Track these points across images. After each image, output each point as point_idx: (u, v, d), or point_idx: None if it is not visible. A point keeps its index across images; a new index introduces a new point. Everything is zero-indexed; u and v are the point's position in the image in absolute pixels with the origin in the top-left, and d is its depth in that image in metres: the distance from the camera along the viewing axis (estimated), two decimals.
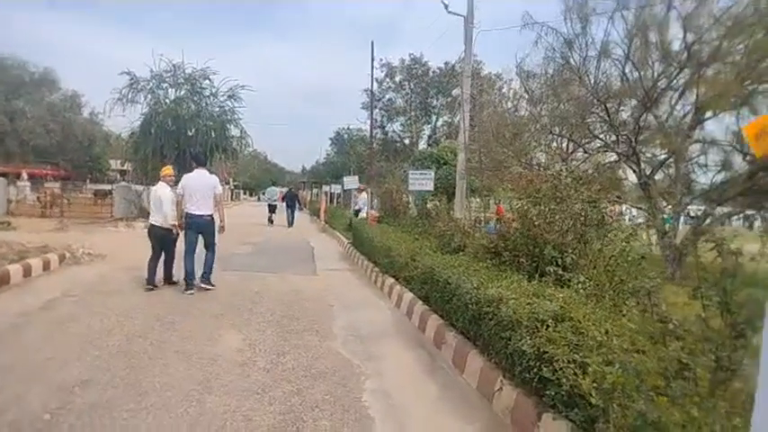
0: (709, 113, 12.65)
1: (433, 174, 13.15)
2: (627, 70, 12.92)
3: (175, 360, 4.89)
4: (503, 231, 5.84)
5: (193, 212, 8.01)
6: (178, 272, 8.36)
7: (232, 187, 50.76)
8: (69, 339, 5.34)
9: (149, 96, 21.45)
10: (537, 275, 4.85)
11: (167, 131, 20.81)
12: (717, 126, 13.26)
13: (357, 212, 18.17)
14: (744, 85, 10.56)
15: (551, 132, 14.42)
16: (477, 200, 20.22)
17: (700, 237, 11.74)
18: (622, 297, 4.44)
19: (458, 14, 14.68)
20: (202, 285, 8.11)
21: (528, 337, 3.54)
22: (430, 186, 12.82)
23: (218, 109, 22.59)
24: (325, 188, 36.39)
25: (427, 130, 40.18)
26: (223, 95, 22.50)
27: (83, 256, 11.15)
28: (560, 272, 4.63)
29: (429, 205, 11.23)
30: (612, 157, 15.44)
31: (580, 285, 4.36)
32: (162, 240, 8.13)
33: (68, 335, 5.50)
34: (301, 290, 8.59)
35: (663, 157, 13.65)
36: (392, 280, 8.39)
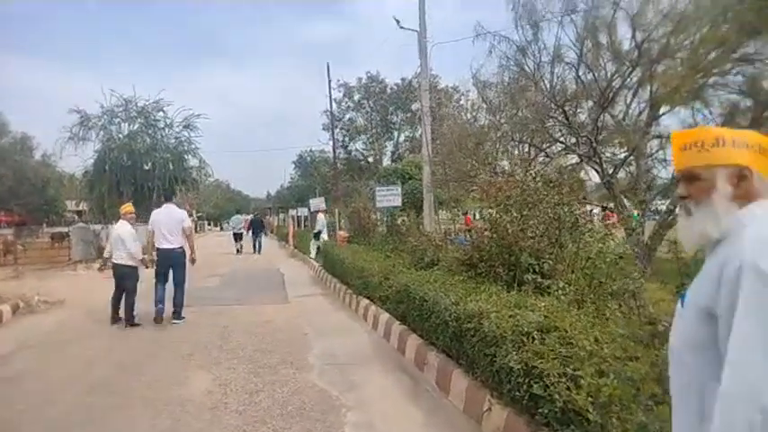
0: (663, 109, 12.91)
1: (399, 189, 13.03)
2: (581, 73, 13.10)
3: (141, 409, 4.53)
4: (476, 242, 5.68)
5: (164, 246, 8.17)
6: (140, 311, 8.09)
7: (195, 218, 49.56)
8: (25, 398, 4.89)
9: (101, 133, 20.81)
10: (515, 285, 4.70)
11: (123, 167, 20.18)
12: (673, 120, 13.53)
13: (317, 235, 17.46)
14: (694, 79, 10.78)
15: (512, 139, 14.49)
16: (445, 212, 20.21)
17: (666, 231, 11.91)
18: (603, 300, 4.31)
19: (411, 29, 14.76)
20: (174, 322, 8.12)
21: (514, 353, 3.35)
22: (398, 202, 12.68)
23: (174, 140, 22.09)
24: (292, 212, 35.88)
25: (390, 147, 40.27)
26: (178, 126, 22.02)
27: (38, 303, 10.53)
28: (539, 279, 4.49)
29: (398, 221, 11.06)
30: (574, 159, 15.63)
31: (560, 292, 4.22)
32: (123, 278, 8.06)
33: (23, 392, 5.06)
34: (273, 320, 8.25)
35: (623, 155, 13.86)
36: (367, 301, 8.14)
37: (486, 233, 5.50)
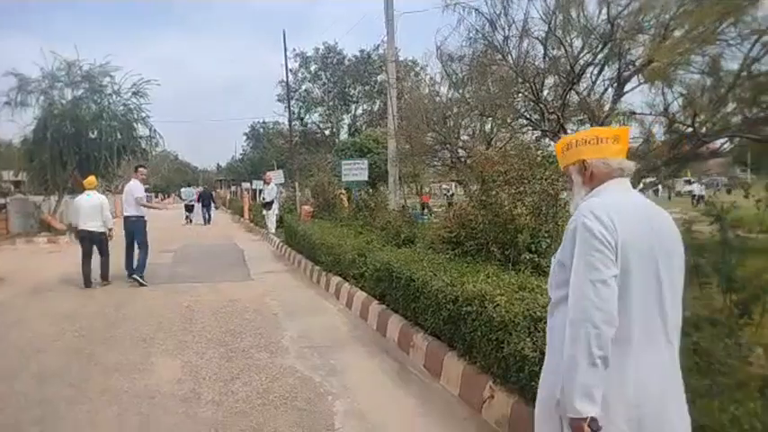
0: (629, 86, 12.98)
1: (367, 163, 12.62)
2: (549, 48, 12.96)
3: (103, 403, 4.07)
4: (463, 219, 5.42)
5: (125, 215, 9.33)
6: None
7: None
8: None
9: (42, 98, 19.01)
10: (511, 265, 4.47)
11: (66, 135, 18.60)
12: (637, 98, 13.68)
13: (269, 205, 16.64)
14: (660, 56, 10.80)
15: (481, 114, 14.28)
16: (404, 187, 19.95)
17: None
18: None
19: None
20: (135, 277, 9.00)
21: (528, 339, 3.11)
22: (364, 176, 12.29)
23: (122, 107, 20.52)
24: (246, 185, 34.79)
25: (347, 120, 39.49)
26: (127, 93, 20.46)
27: None
28: (536, 259, 4.28)
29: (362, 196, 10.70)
30: (536, 135, 15.61)
31: None
32: (98, 243, 9.02)
33: None
34: (238, 299, 7.80)
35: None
36: (338, 279, 7.81)
37: (474, 209, 5.24)
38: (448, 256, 5.23)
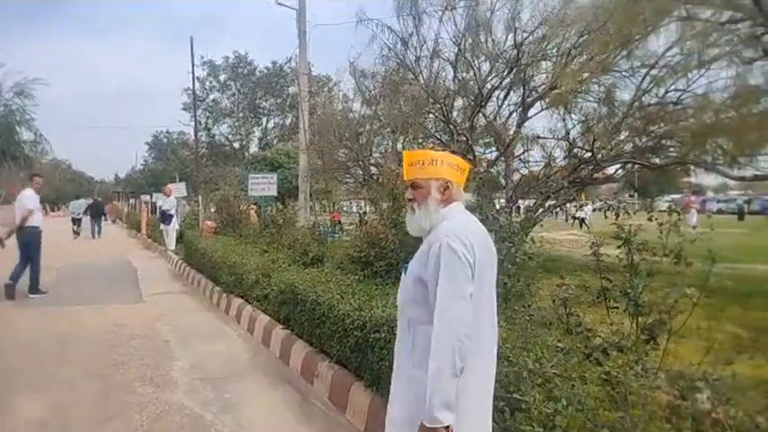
0: (533, 111, 13.58)
1: (276, 178, 12.13)
2: (459, 70, 13.29)
3: None
4: (372, 238, 5.19)
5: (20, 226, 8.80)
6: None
7: None
8: None
9: None
10: None
11: None
12: (541, 123, 14.38)
13: (168, 219, 15.26)
14: (562, 83, 11.38)
15: (393, 132, 14.32)
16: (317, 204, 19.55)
17: (529, 229, 12.50)
18: (509, 304, 4.06)
19: (290, 7, 13.89)
20: (29, 296, 8.81)
21: None
22: (273, 191, 11.79)
23: (2, 108, 18.52)
24: (145, 198, 32.66)
25: (258, 133, 38.47)
26: (9, 92, 18.47)
27: None
28: None
29: (270, 211, 10.22)
30: None
31: None
32: None
33: None
34: (126, 323, 7.03)
35: (494, 154, 14.41)
36: (240, 300, 7.28)
37: (384, 228, 5.03)
38: (357, 277, 4.96)
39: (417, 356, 1.95)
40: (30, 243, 8.86)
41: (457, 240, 1.87)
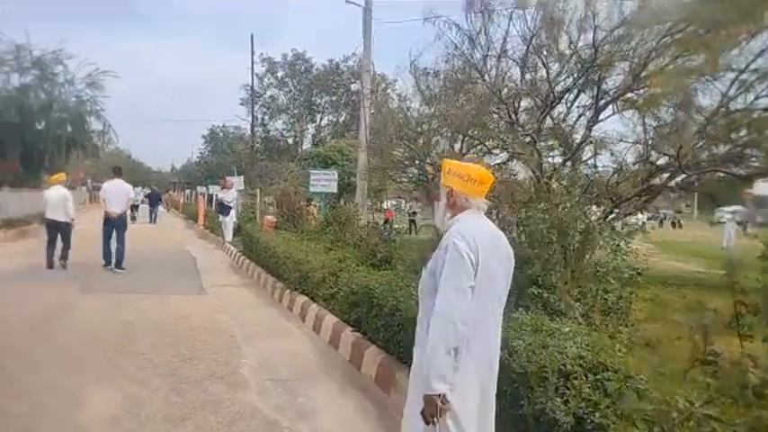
0: (605, 114, 12.89)
1: (336, 174, 11.98)
2: (528, 69, 12.77)
3: None
4: None
5: (110, 210, 10.25)
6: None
7: (90, 188, 44.61)
8: None
9: None
10: (513, 299, 3.90)
11: (10, 125, 17.04)
12: (611, 126, 13.65)
13: (226, 210, 15.39)
14: (639, 85, 10.72)
15: (457, 131, 13.90)
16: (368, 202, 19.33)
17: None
18: (614, 326, 3.66)
19: (356, 4, 13.72)
20: (116, 270, 10.04)
21: (558, 399, 2.55)
22: (333, 188, 11.66)
23: (74, 99, 19.10)
24: (201, 189, 33.39)
25: (311, 130, 38.74)
26: (81, 83, 19.04)
27: None
28: (545, 295, 3.74)
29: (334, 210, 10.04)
30: (499, 158, 15.32)
31: (576, 312, 3.49)
32: (63, 231, 10.15)
33: None
34: (189, 315, 6.97)
35: (559, 158, 13.78)
36: (305, 298, 7.10)
37: None
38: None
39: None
40: (119, 226, 10.30)
41: (462, 240, 2.16)
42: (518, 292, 4.03)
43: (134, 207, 25.42)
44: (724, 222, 25.89)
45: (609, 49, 11.50)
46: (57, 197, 10.23)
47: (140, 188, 32.17)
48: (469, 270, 2.12)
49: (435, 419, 2.07)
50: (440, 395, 2.06)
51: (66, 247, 10.21)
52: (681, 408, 2.18)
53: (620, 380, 2.51)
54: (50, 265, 10.03)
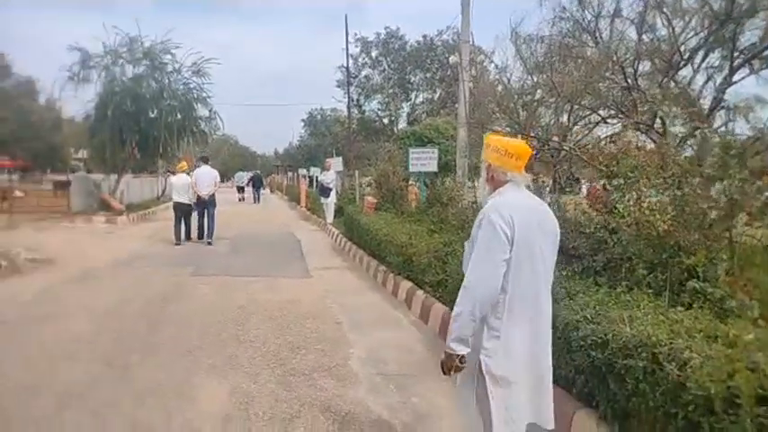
0: (738, 75, 11.22)
1: (437, 152, 11.52)
2: (644, 29, 11.39)
3: None
4: (577, 225, 4.25)
5: (201, 193, 12.09)
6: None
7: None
8: None
9: (104, 74, 18.72)
10: (667, 293, 3.26)
11: (126, 113, 18.28)
12: (745, 89, 11.86)
13: (326, 192, 15.70)
14: None
15: (569, 101, 12.82)
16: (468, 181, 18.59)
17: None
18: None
19: None
20: (209, 241, 11.98)
21: None
22: (433, 167, 11.21)
23: (182, 87, 20.06)
24: (302, 171, 34.33)
25: (406, 108, 38.28)
26: (187, 71, 19.93)
27: (25, 262, 9.25)
28: (709, 289, 3.08)
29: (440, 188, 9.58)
30: (609, 129, 13.95)
31: (755, 311, 2.81)
32: (186, 212, 12.12)
33: None
34: (297, 299, 6.91)
35: (686, 127, 12.28)
36: (410, 284, 6.79)
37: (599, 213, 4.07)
38: (565, 273, 4.06)
39: None
40: (210, 205, 12.17)
41: (496, 213, 2.22)
42: (670, 286, 3.38)
43: (240, 189, 32.79)
44: None
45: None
46: (182, 183, 12.11)
47: (245, 173, 35.04)
48: (503, 243, 2.18)
49: (451, 373, 2.30)
50: (459, 356, 2.21)
51: (188, 227, 12.25)
52: None
53: None
54: (178, 241, 11.83)
